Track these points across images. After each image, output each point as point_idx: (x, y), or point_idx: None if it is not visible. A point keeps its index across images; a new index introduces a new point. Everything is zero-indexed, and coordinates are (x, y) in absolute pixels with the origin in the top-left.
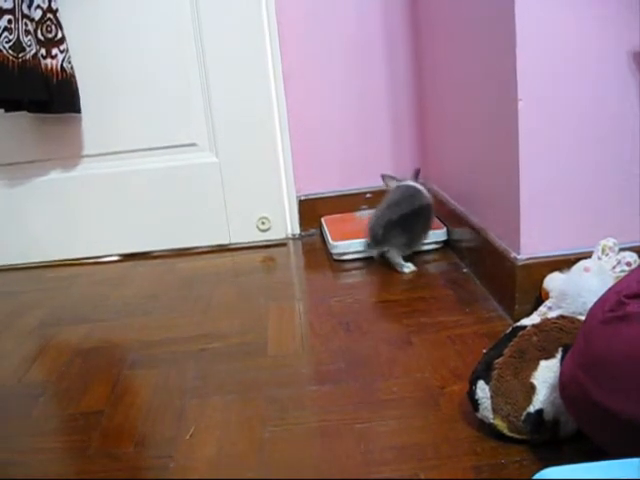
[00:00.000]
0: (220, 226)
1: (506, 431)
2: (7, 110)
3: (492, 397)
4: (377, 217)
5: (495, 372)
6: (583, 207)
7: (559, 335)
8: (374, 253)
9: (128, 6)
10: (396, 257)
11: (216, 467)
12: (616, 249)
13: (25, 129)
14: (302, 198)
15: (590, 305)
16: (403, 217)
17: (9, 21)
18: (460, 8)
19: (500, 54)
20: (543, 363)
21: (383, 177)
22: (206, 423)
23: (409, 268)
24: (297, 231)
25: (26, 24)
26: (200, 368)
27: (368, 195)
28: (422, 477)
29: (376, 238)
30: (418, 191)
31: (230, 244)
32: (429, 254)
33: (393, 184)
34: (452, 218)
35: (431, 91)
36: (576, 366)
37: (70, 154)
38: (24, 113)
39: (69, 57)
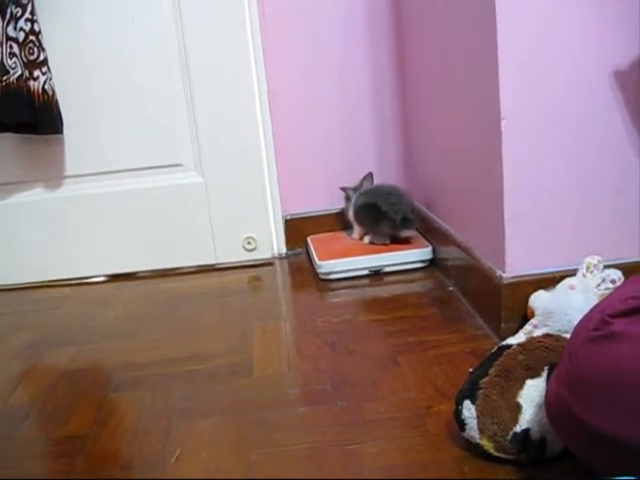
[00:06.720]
0: (206, 246)
1: (493, 451)
2: None
3: (478, 417)
4: (394, 203)
5: (481, 391)
6: (568, 225)
7: (545, 354)
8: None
9: (112, 27)
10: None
11: None
12: (601, 267)
13: (9, 150)
14: (288, 217)
15: (575, 323)
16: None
17: None
18: (444, 28)
19: (483, 74)
20: (529, 382)
21: (344, 189)
22: (192, 445)
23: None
24: (283, 251)
25: (11, 46)
26: (186, 390)
27: None
28: None
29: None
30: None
31: (216, 264)
32: (415, 273)
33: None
34: (438, 237)
35: (416, 111)
36: (561, 385)
37: (55, 175)
38: (8, 134)
39: (50, 79)
